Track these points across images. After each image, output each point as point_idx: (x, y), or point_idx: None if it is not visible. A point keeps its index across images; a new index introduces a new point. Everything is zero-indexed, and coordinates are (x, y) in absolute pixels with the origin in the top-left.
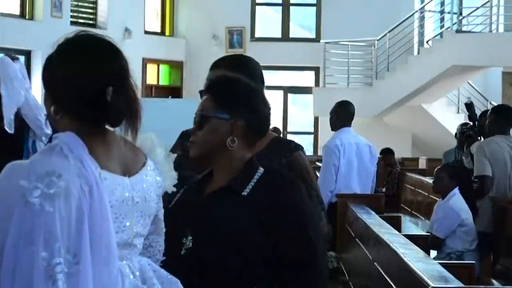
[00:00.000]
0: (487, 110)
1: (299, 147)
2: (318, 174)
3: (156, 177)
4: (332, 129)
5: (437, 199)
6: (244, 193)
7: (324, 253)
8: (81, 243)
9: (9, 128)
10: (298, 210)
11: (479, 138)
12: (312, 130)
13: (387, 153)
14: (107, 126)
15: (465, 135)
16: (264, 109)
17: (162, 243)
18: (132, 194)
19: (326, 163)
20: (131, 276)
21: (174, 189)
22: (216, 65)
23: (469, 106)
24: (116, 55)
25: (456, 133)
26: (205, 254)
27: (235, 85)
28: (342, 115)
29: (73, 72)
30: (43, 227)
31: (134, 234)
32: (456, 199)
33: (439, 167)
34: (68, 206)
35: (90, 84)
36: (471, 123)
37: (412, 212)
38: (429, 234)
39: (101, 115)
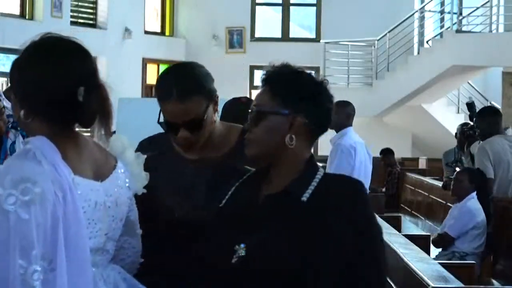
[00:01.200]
0: (485, 110)
1: None
2: None
3: (126, 180)
4: (336, 128)
5: (437, 199)
6: (304, 198)
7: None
8: (56, 249)
9: None
10: (375, 228)
11: (478, 138)
12: None
13: (387, 153)
14: (78, 129)
15: (465, 134)
16: (326, 103)
17: (137, 244)
18: (104, 199)
19: (345, 163)
20: (103, 285)
21: (145, 191)
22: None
23: (470, 106)
24: (85, 56)
25: (456, 133)
26: (261, 265)
27: (296, 76)
28: (347, 114)
29: (43, 75)
30: (19, 234)
31: (105, 239)
32: (473, 201)
33: (459, 170)
34: (44, 213)
35: (60, 86)
36: (472, 123)
37: (412, 212)
38: (429, 234)
39: (73, 117)
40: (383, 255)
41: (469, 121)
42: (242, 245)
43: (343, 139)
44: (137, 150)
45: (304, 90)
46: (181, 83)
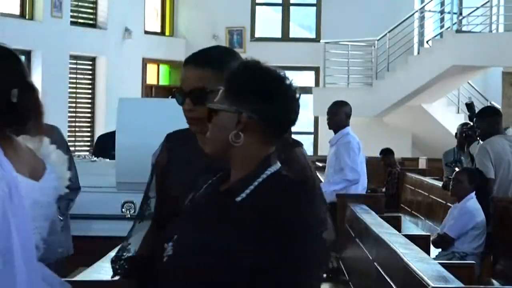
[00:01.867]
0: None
1: (298, 143)
2: (318, 174)
3: (54, 181)
4: (336, 128)
5: (437, 199)
6: (238, 199)
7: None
8: (11, 244)
9: None
10: (301, 228)
11: (478, 138)
12: (312, 130)
13: (387, 153)
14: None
15: (465, 135)
16: (284, 100)
17: (58, 241)
18: (40, 199)
19: (357, 160)
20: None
21: (67, 191)
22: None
23: (470, 106)
24: (14, 58)
25: (456, 133)
26: (184, 264)
27: (250, 72)
28: (346, 114)
29: None
30: None
31: (40, 237)
32: (472, 202)
33: (458, 170)
34: None
35: None
36: (471, 123)
37: (412, 212)
38: (429, 234)
39: (9, 118)
40: (309, 256)
41: (468, 121)
42: (170, 244)
43: (348, 137)
44: (164, 142)
45: (254, 86)
46: (208, 53)
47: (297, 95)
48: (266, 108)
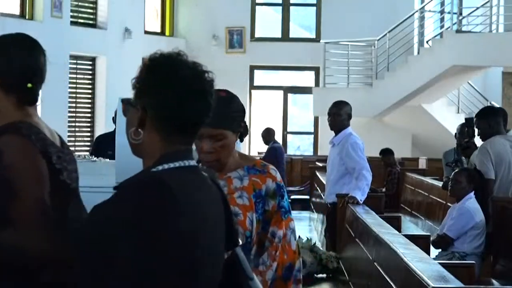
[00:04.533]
0: (485, 109)
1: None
2: (318, 174)
3: None
4: (338, 129)
5: (437, 199)
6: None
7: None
8: None
9: None
10: (89, 229)
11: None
12: (312, 130)
13: (386, 153)
14: None
15: (462, 148)
16: (172, 94)
17: None
18: None
19: (364, 159)
20: None
21: None
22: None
23: (469, 122)
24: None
25: (456, 133)
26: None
27: (149, 64)
28: (349, 114)
29: None
30: None
31: None
32: (471, 202)
33: (457, 170)
34: None
35: None
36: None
37: (412, 212)
38: (429, 234)
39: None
40: (88, 257)
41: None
42: None
43: (353, 137)
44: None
45: (152, 81)
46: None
47: (207, 92)
48: (161, 103)
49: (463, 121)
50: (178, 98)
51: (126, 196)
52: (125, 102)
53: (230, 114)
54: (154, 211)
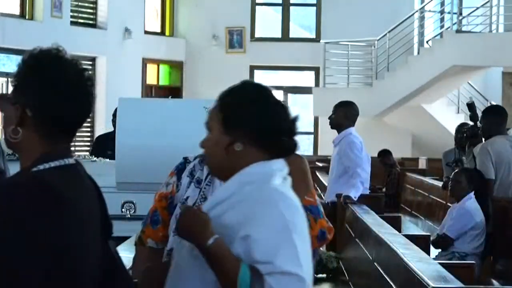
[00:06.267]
0: (488, 109)
1: None
2: (318, 174)
3: None
4: (335, 128)
5: (437, 199)
6: None
7: None
8: None
9: None
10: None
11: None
12: (312, 130)
13: (385, 154)
14: None
15: (465, 135)
16: (52, 91)
17: None
18: None
19: (361, 157)
20: None
21: None
22: None
23: (471, 106)
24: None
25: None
26: None
27: (27, 61)
28: (350, 115)
29: None
30: None
31: None
32: (471, 202)
33: (457, 171)
34: None
35: None
36: (472, 123)
37: (412, 212)
38: (429, 234)
39: None
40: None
41: (468, 122)
42: None
43: (350, 137)
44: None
45: (30, 80)
46: None
47: (88, 92)
48: (41, 103)
49: (463, 121)
50: (58, 98)
51: (5, 196)
52: (1, 97)
53: None
54: (35, 211)
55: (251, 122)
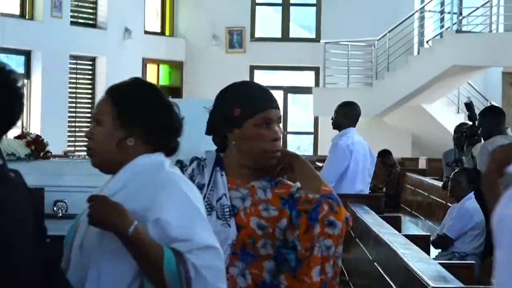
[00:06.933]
0: (487, 109)
1: None
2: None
3: None
4: (336, 128)
5: (437, 199)
6: None
7: None
8: None
9: None
10: None
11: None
12: (312, 130)
13: (385, 154)
14: None
15: (464, 135)
16: None
17: None
18: None
19: (338, 164)
20: None
21: None
22: None
23: (469, 106)
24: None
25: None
26: None
27: None
28: (351, 115)
29: None
30: None
31: None
32: (471, 202)
33: (457, 171)
34: None
35: None
36: (471, 123)
37: (412, 212)
38: (429, 234)
39: None
40: None
41: (467, 122)
42: None
43: (341, 139)
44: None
45: None
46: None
47: (21, 93)
48: None
49: (463, 121)
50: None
51: None
52: None
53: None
54: None
55: (146, 119)
